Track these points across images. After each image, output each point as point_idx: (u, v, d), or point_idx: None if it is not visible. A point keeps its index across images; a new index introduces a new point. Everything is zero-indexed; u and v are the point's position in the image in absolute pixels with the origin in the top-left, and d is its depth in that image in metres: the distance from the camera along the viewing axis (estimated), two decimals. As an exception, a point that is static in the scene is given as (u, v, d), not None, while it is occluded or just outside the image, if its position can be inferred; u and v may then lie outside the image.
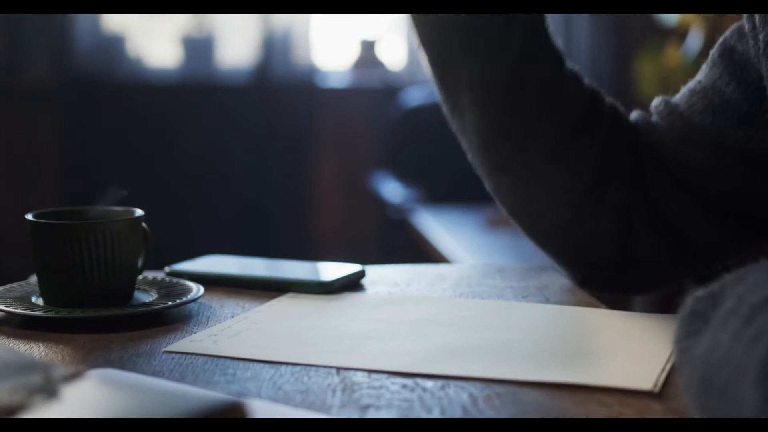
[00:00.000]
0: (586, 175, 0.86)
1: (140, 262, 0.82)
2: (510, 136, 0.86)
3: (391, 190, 3.17)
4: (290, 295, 0.85)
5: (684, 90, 0.88)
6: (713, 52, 0.86)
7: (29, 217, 0.78)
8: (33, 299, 0.79)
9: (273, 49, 3.42)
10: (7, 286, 0.82)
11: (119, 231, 0.77)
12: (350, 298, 0.84)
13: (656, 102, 0.89)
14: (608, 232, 0.86)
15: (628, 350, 0.68)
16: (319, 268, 0.91)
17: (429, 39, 0.87)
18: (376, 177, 3.34)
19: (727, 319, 0.51)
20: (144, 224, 0.81)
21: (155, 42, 3.47)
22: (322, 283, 0.85)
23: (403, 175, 3.23)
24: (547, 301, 0.83)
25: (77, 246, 0.75)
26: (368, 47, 3.60)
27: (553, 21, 3.28)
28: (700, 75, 0.87)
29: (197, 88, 3.41)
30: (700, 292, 0.57)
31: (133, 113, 3.36)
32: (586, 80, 0.90)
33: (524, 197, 0.88)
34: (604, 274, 0.88)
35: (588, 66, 3.41)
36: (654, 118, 0.89)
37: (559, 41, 0.90)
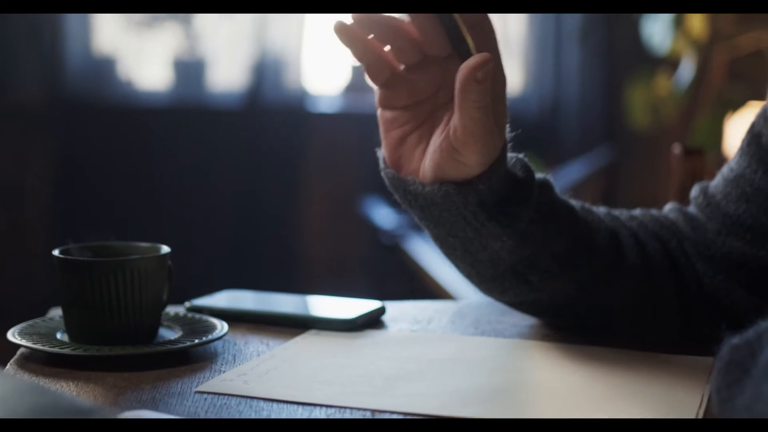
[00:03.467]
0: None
1: (164, 298, 0.82)
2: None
3: (383, 215, 3.17)
4: (313, 332, 0.85)
5: (718, 178, 0.89)
6: (743, 140, 0.88)
7: (56, 253, 0.78)
8: (58, 336, 0.79)
9: (264, 73, 3.42)
10: (29, 322, 0.82)
11: (147, 268, 0.77)
12: (373, 336, 0.85)
13: (695, 192, 0.91)
14: (669, 324, 0.87)
15: (658, 393, 0.69)
16: (339, 304, 0.91)
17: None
18: (367, 202, 3.34)
19: (768, 370, 0.52)
20: (169, 261, 0.81)
21: (146, 64, 3.47)
22: (344, 320, 0.86)
23: (395, 201, 3.22)
24: (568, 341, 0.83)
25: (106, 283, 0.75)
26: (359, 72, 3.61)
27: (543, 49, 3.29)
28: (733, 162, 0.88)
29: (188, 111, 3.40)
30: (735, 340, 0.58)
31: (123, 136, 3.34)
32: (603, 228, 0.86)
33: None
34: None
35: (578, 94, 3.44)
36: (692, 209, 0.91)
37: (560, 189, 0.85)
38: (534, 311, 0.87)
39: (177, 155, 3.35)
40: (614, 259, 0.84)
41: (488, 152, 0.75)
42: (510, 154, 0.81)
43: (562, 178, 3.04)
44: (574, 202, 0.86)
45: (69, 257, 0.77)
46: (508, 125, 0.78)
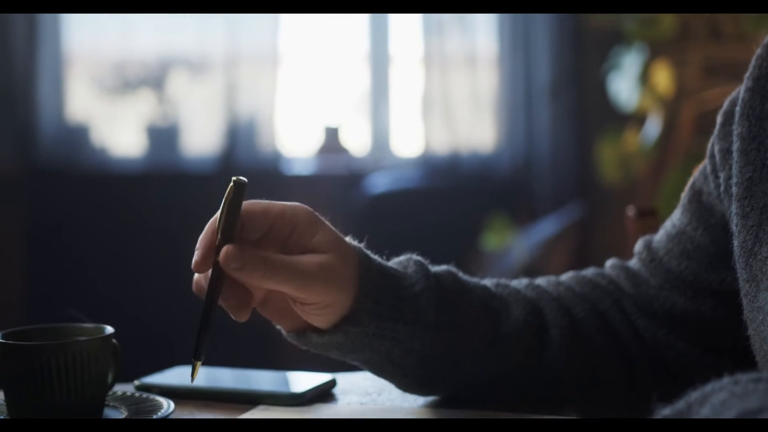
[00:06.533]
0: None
1: (110, 378, 0.82)
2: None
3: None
4: (261, 407, 0.85)
5: (662, 233, 0.91)
6: (684, 196, 0.89)
7: (-3, 337, 0.77)
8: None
9: (238, 136, 3.44)
10: (-27, 406, 0.81)
11: (89, 350, 0.77)
12: (322, 410, 0.84)
13: (639, 247, 0.92)
14: (616, 383, 0.87)
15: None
16: (289, 378, 0.91)
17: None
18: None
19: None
20: (114, 340, 0.81)
21: (120, 131, 3.48)
22: (293, 395, 0.85)
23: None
24: (515, 411, 0.83)
25: (47, 366, 0.75)
26: (332, 133, 3.63)
27: (515, 108, 3.30)
28: (675, 217, 0.90)
29: (162, 176, 3.41)
30: (666, 410, 0.58)
31: (98, 202, 3.34)
32: (519, 304, 0.86)
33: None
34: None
35: (550, 151, 3.46)
36: (635, 263, 0.92)
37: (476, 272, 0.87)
38: (476, 395, 0.86)
39: (152, 221, 3.35)
40: (537, 327, 0.85)
41: (331, 284, 0.75)
42: (399, 258, 0.83)
43: (535, 235, 3.05)
44: (488, 281, 0.87)
45: (8, 341, 0.77)
46: (348, 237, 0.80)
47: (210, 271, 0.75)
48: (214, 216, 0.75)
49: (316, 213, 0.78)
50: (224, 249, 0.73)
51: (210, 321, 0.74)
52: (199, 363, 0.75)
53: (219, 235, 0.74)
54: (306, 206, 0.78)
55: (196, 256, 0.74)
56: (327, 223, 0.78)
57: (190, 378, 0.89)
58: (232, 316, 0.76)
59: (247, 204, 0.76)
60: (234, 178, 0.75)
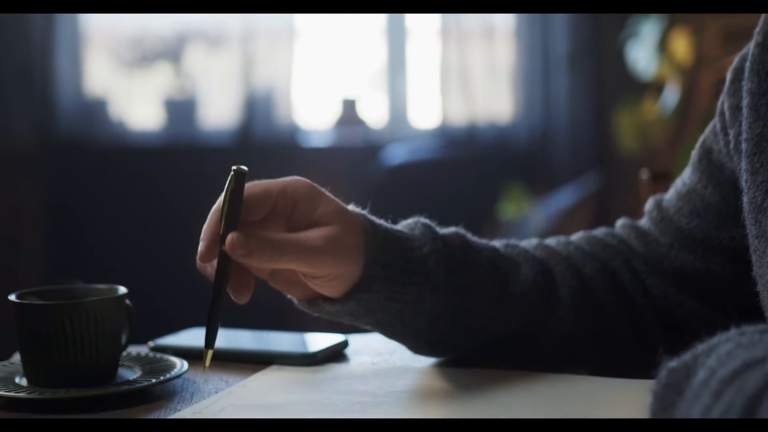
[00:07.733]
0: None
1: (124, 339, 0.83)
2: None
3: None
4: (274, 367, 0.86)
5: (672, 191, 0.91)
6: (694, 154, 0.89)
7: (12, 297, 0.78)
8: (17, 380, 0.79)
9: (255, 109, 3.44)
10: (-9, 366, 0.82)
11: (103, 309, 0.78)
12: (334, 370, 0.85)
13: (649, 206, 0.92)
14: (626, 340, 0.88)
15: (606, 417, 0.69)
16: (302, 339, 0.91)
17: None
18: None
19: (698, 393, 0.52)
20: (127, 301, 0.82)
21: (138, 104, 3.49)
22: (305, 355, 0.86)
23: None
24: (521, 368, 0.83)
25: (60, 326, 0.76)
26: (349, 106, 3.63)
27: (532, 78, 3.28)
28: (685, 175, 0.90)
29: (180, 149, 3.42)
30: (673, 363, 0.58)
31: (116, 176, 3.36)
32: (529, 264, 0.86)
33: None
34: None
35: (568, 121, 3.45)
36: (646, 222, 0.92)
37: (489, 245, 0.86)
38: (486, 355, 0.87)
39: (169, 193, 3.37)
40: (547, 287, 0.85)
41: (339, 256, 0.76)
42: (406, 221, 0.83)
43: (553, 204, 3.04)
44: (497, 242, 0.88)
45: (23, 301, 0.78)
46: (350, 205, 0.80)
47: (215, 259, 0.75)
48: (215, 205, 0.75)
49: (316, 185, 0.78)
50: (229, 236, 0.73)
51: (219, 310, 0.74)
52: (210, 352, 0.74)
53: (223, 224, 0.74)
54: (305, 180, 0.78)
55: (201, 247, 0.74)
56: (328, 194, 0.78)
57: (203, 339, 0.91)
58: (233, 298, 0.76)
59: (247, 187, 0.75)
60: (234, 167, 0.74)
